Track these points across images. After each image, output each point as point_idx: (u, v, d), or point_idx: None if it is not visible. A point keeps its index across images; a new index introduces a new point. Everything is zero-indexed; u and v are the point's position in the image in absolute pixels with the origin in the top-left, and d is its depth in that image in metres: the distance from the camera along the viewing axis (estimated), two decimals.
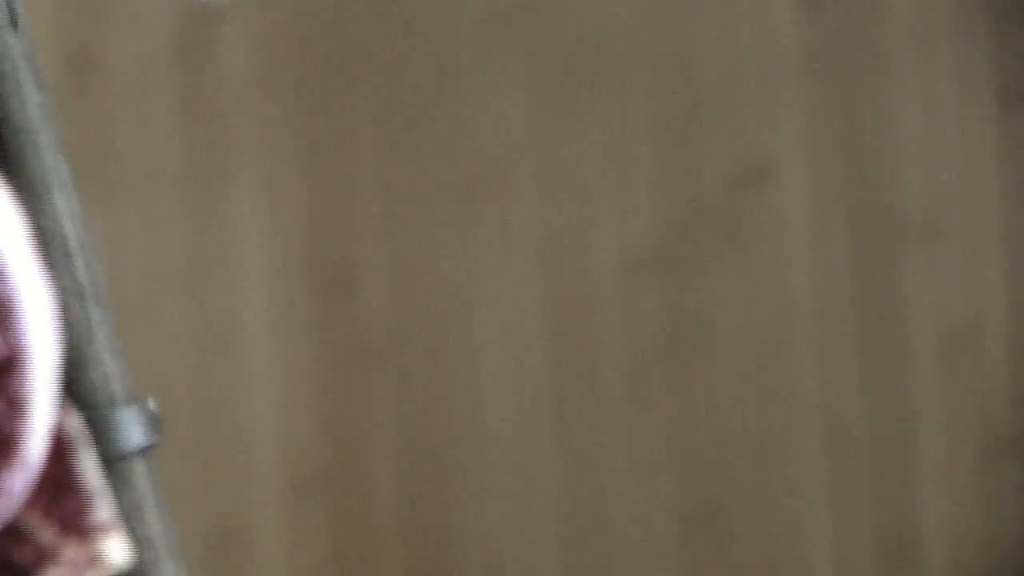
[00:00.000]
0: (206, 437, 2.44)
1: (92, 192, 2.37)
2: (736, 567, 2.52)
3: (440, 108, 2.49)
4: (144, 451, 0.32)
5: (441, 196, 2.50)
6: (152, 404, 0.31)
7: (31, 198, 0.26)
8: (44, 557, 0.23)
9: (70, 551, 0.24)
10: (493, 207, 2.52)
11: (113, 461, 0.32)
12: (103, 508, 0.24)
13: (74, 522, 0.24)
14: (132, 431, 0.33)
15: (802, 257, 2.52)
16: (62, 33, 2.38)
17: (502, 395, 2.51)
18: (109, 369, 0.32)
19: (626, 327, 2.51)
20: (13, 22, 0.49)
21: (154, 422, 0.34)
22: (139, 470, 0.33)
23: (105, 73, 2.40)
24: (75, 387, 0.30)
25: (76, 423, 0.24)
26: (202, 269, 2.44)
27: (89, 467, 0.24)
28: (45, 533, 0.24)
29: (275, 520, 2.47)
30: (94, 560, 0.23)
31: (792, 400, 2.53)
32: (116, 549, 0.24)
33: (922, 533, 2.47)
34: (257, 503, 2.47)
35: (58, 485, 0.24)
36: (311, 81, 2.46)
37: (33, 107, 0.32)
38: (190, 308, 2.45)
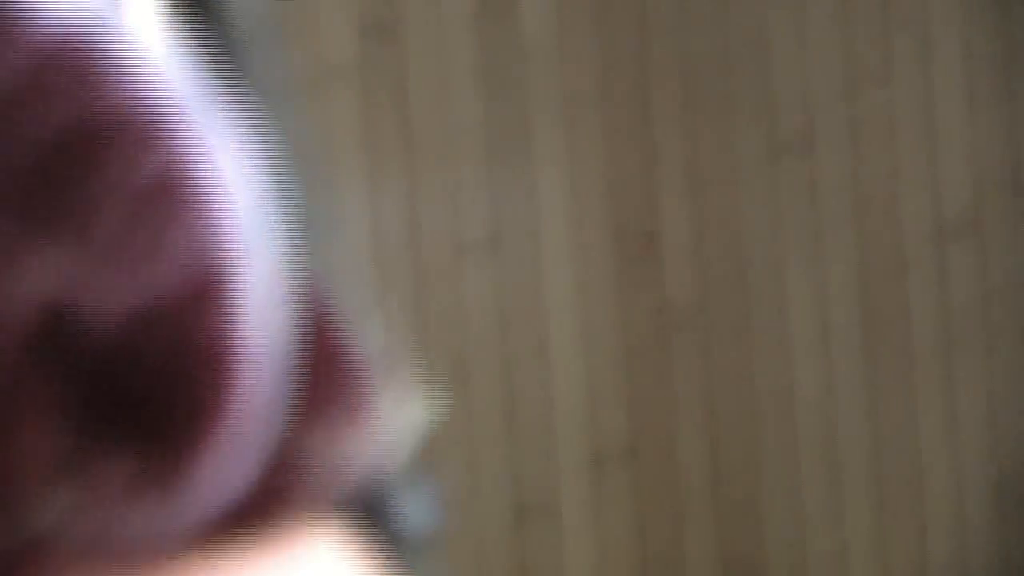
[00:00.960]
0: (508, 409, 2.42)
1: (391, 162, 2.37)
2: None
3: (746, 69, 2.42)
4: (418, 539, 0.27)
5: (746, 159, 2.43)
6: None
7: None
8: (324, 443, 0.22)
9: (348, 428, 0.22)
10: (800, 169, 2.44)
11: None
12: (373, 376, 0.23)
13: (353, 405, 0.23)
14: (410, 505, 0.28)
15: None
16: (358, 2, 2.37)
17: (811, 364, 2.44)
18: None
19: (938, 294, 2.42)
20: None
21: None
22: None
23: (402, 42, 2.39)
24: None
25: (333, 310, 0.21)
26: (502, 239, 2.42)
27: (350, 343, 0.21)
28: (318, 421, 0.22)
29: (578, 493, 2.44)
30: (370, 421, 0.22)
31: None
32: (412, 409, 0.21)
33: None
34: (561, 476, 2.44)
35: (321, 372, 0.22)
36: (611, 47, 2.41)
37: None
38: (491, 278, 2.42)
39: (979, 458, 2.42)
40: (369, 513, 0.25)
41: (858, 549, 2.45)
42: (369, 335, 0.24)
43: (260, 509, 0.22)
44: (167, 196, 0.20)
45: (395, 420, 0.23)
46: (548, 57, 2.40)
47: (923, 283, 2.43)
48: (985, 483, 2.42)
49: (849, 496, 2.45)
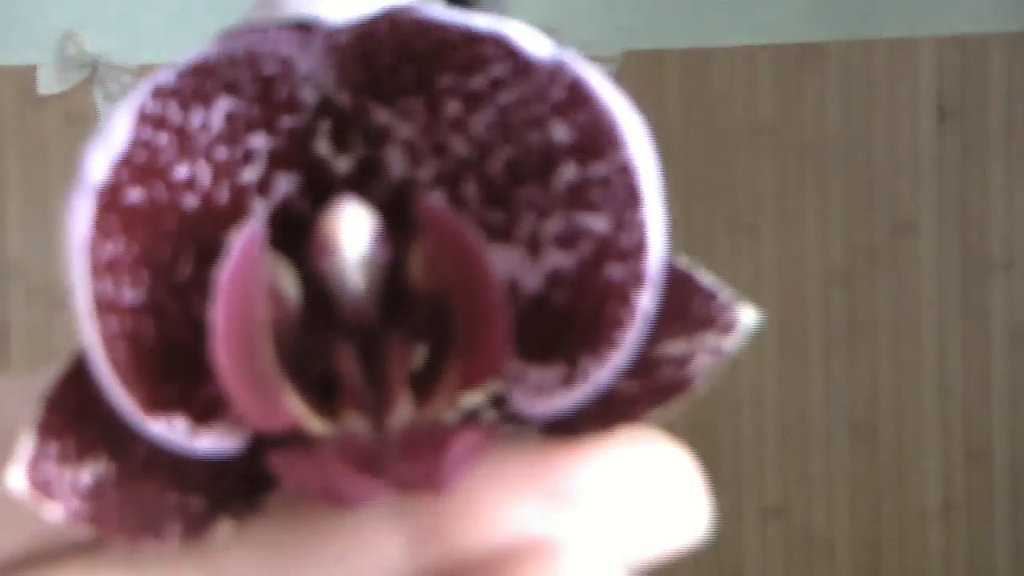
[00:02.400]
0: None
1: None
2: None
3: None
4: None
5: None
6: None
7: None
8: (681, 362, 0.26)
9: (704, 340, 0.26)
10: None
11: None
12: (723, 293, 0.27)
13: (703, 316, 0.27)
14: None
15: None
16: None
17: None
18: None
19: None
20: None
21: None
22: None
23: None
24: None
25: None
26: None
27: (702, 276, 0.27)
28: (675, 345, 0.27)
29: None
30: (728, 330, 0.26)
31: None
32: (745, 313, 0.27)
33: None
34: None
35: (679, 295, 0.27)
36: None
37: None
38: None
39: None
40: None
41: None
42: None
43: (623, 405, 0.26)
44: (630, 186, 0.26)
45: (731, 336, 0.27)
46: None
47: None
48: None
49: None
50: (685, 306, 0.27)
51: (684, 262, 0.27)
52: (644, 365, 0.27)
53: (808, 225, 1.95)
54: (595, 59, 1.97)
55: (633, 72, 1.92)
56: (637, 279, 0.26)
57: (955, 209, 1.94)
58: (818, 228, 1.95)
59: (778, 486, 1.98)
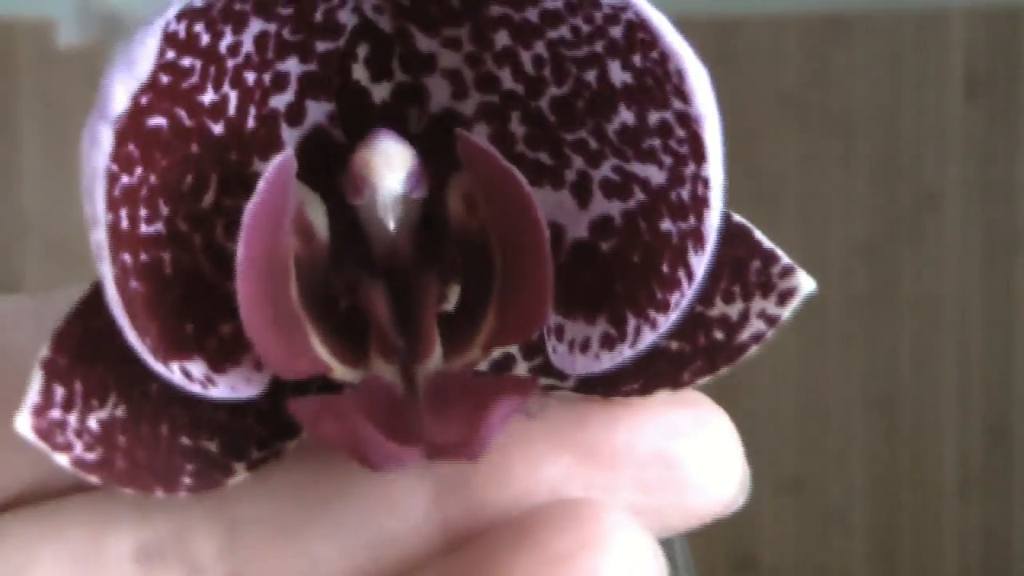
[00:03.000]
0: None
1: None
2: None
3: None
4: None
5: None
6: None
7: None
8: (734, 326, 0.25)
9: (759, 305, 0.25)
10: None
11: None
12: (783, 257, 0.26)
13: (759, 280, 0.26)
14: None
15: None
16: None
17: None
18: None
19: None
20: None
21: None
22: None
23: None
24: None
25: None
26: None
27: (760, 234, 0.26)
28: (728, 307, 0.25)
29: None
30: (785, 296, 0.25)
31: None
32: (804, 280, 0.26)
33: None
34: None
35: (735, 253, 0.26)
36: None
37: None
38: None
39: None
40: None
41: None
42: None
43: (669, 365, 0.25)
44: (694, 139, 0.25)
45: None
46: None
47: None
48: None
49: None
50: (742, 267, 0.26)
51: (741, 218, 0.26)
52: (693, 325, 0.25)
53: (831, 197, 1.94)
54: None
55: None
56: (694, 237, 0.24)
57: (981, 183, 1.93)
58: (842, 200, 1.94)
59: (794, 459, 1.97)
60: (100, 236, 0.23)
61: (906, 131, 1.93)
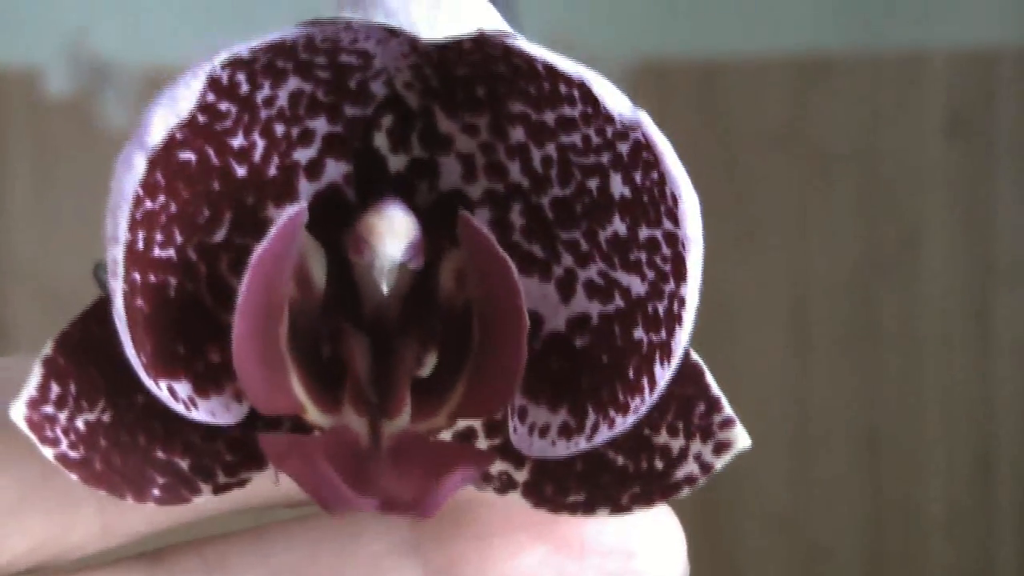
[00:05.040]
0: None
1: None
2: None
3: None
4: None
5: None
6: None
7: None
8: (672, 460, 0.27)
9: (697, 447, 0.27)
10: None
11: None
12: (727, 408, 0.28)
13: (701, 424, 0.27)
14: None
15: None
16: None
17: None
18: None
19: None
20: None
21: None
22: None
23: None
24: None
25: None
26: None
27: (711, 378, 0.28)
28: (670, 440, 0.27)
29: None
30: (720, 447, 0.27)
31: None
32: (741, 435, 0.28)
33: None
34: None
35: (686, 390, 0.27)
36: None
37: None
38: None
39: None
40: None
41: None
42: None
43: (611, 482, 0.27)
44: (678, 260, 0.26)
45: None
46: None
47: None
48: None
49: None
50: (690, 406, 0.27)
51: (698, 357, 0.27)
52: (639, 445, 0.27)
53: (814, 234, 1.95)
54: (605, 65, 1.97)
55: (642, 79, 1.92)
56: (662, 349, 0.26)
57: (962, 221, 1.95)
58: (825, 238, 1.96)
59: (780, 493, 1.98)
60: (117, 253, 0.25)
61: (887, 170, 1.95)
